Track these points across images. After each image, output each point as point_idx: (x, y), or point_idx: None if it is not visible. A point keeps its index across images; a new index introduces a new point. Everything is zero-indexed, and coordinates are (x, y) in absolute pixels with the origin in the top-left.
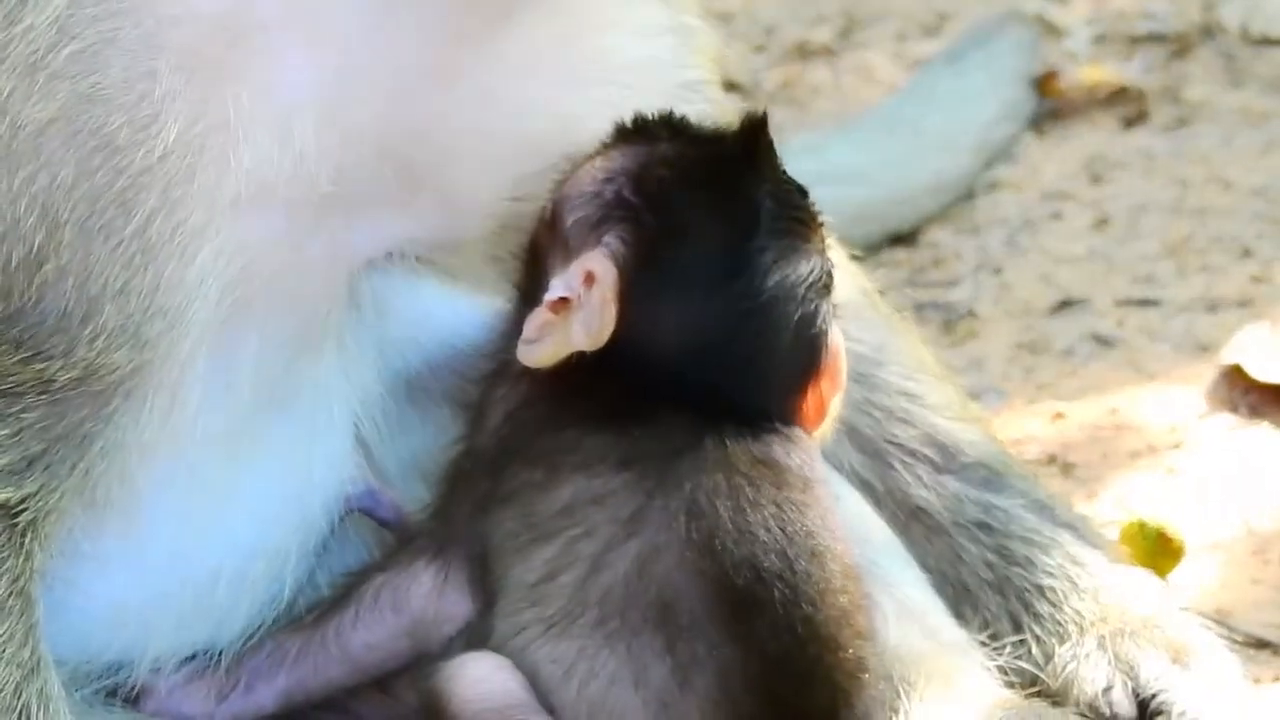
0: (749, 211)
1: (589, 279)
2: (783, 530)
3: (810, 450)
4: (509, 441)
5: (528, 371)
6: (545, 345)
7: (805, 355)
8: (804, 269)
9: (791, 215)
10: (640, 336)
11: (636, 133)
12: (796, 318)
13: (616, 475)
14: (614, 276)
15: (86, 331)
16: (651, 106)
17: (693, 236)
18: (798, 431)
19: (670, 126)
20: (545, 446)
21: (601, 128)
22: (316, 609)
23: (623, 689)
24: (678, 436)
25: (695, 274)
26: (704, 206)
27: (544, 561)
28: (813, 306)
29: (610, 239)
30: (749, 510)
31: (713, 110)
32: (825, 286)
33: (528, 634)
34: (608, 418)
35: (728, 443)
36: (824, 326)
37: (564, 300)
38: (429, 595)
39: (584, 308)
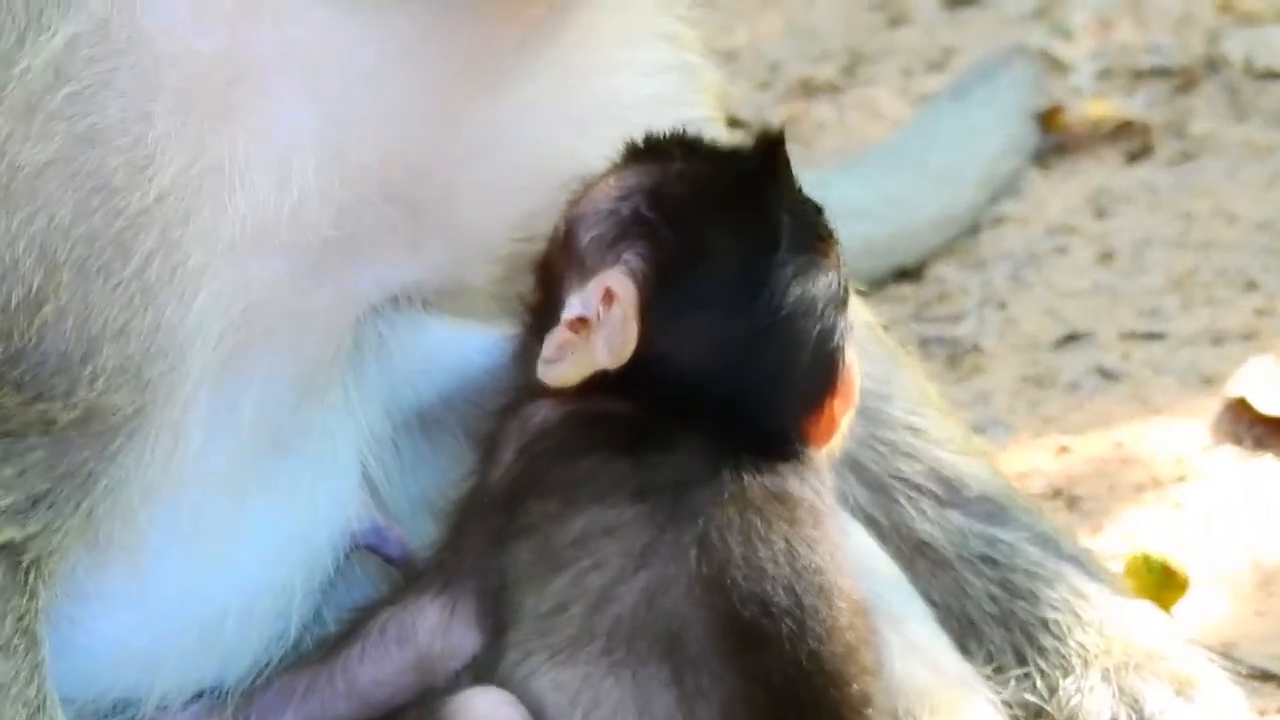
0: (769, 226)
1: (608, 297)
2: (792, 566)
3: (823, 481)
4: (525, 474)
5: (542, 400)
6: (567, 364)
7: (823, 371)
8: (823, 283)
9: (810, 230)
10: (661, 353)
11: (649, 152)
12: (816, 333)
13: (630, 507)
14: (634, 294)
15: (87, 372)
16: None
17: (712, 252)
18: (811, 457)
19: (683, 145)
20: (561, 478)
21: (605, 165)
22: (323, 646)
23: (628, 719)
24: (693, 467)
25: (716, 290)
26: (722, 222)
27: (555, 592)
28: (831, 322)
29: (629, 256)
30: (760, 545)
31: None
32: (843, 302)
33: (534, 661)
34: (624, 448)
35: (743, 475)
36: (841, 342)
37: (582, 320)
38: (435, 629)
39: (605, 326)
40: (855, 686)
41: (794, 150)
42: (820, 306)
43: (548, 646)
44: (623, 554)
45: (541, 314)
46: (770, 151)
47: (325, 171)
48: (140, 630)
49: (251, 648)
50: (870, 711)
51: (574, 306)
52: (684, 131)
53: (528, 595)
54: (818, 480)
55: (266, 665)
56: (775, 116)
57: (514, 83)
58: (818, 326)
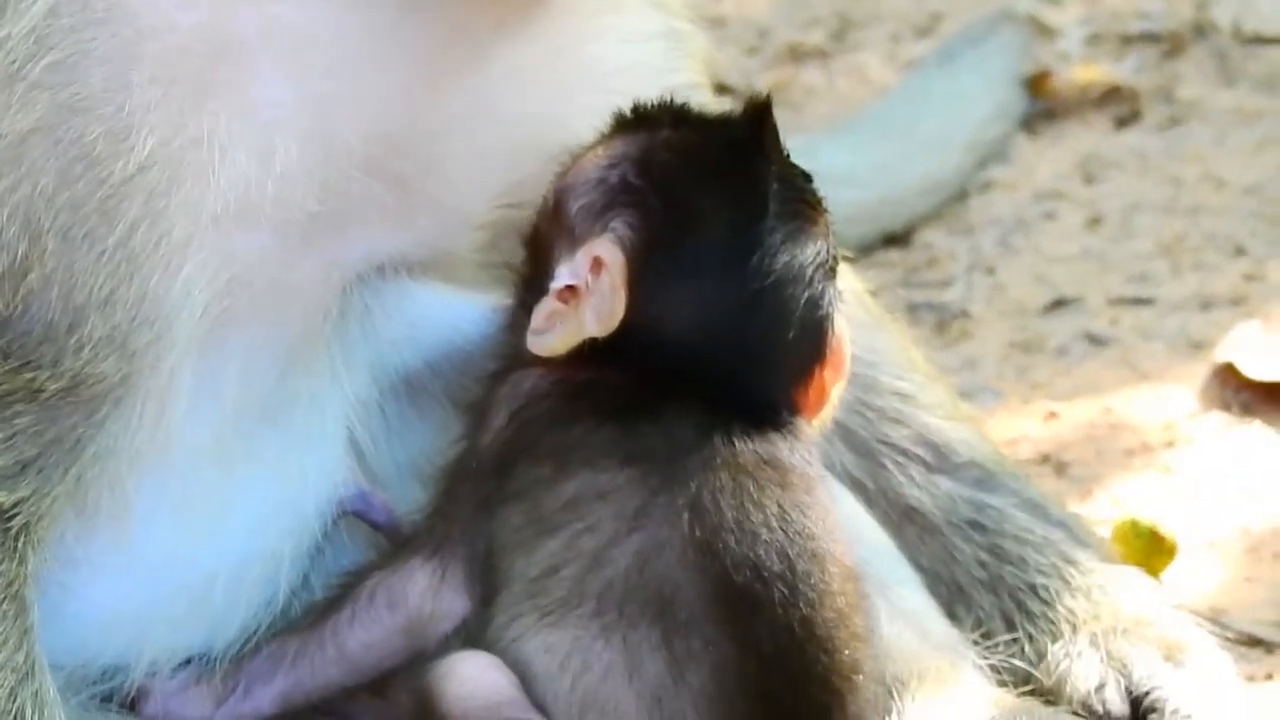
0: (757, 193)
1: (597, 265)
2: (784, 531)
3: (813, 448)
4: (515, 440)
5: (533, 368)
6: (556, 334)
7: (812, 338)
8: (811, 251)
9: (798, 198)
10: (650, 322)
11: (637, 121)
12: (804, 299)
13: (622, 471)
14: (622, 262)
15: (73, 341)
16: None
17: (700, 219)
18: (801, 427)
19: (671, 113)
20: (553, 443)
21: (591, 132)
22: (312, 611)
23: (617, 681)
24: (685, 433)
25: (704, 257)
26: (711, 189)
27: (547, 555)
28: (820, 289)
29: (617, 224)
30: (752, 510)
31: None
32: (832, 270)
33: (523, 623)
34: (615, 413)
35: (735, 441)
36: (830, 310)
37: (571, 288)
38: (425, 593)
39: (594, 294)
40: (845, 652)
41: (782, 116)
42: (809, 274)
43: (538, 609)
44: (615, 517)
45: (531, 284)
46: (758, 118)
47: (308, 148)
48: (129, 597)
49: (240, 614)
50: (860, 677)
51: (563, 276)
52: (672, 100)
53: (517, 559)
54: (807, 448)
55: (255, 631)
56: (763, 82)
57: (496, 54)
58: (806, 294)
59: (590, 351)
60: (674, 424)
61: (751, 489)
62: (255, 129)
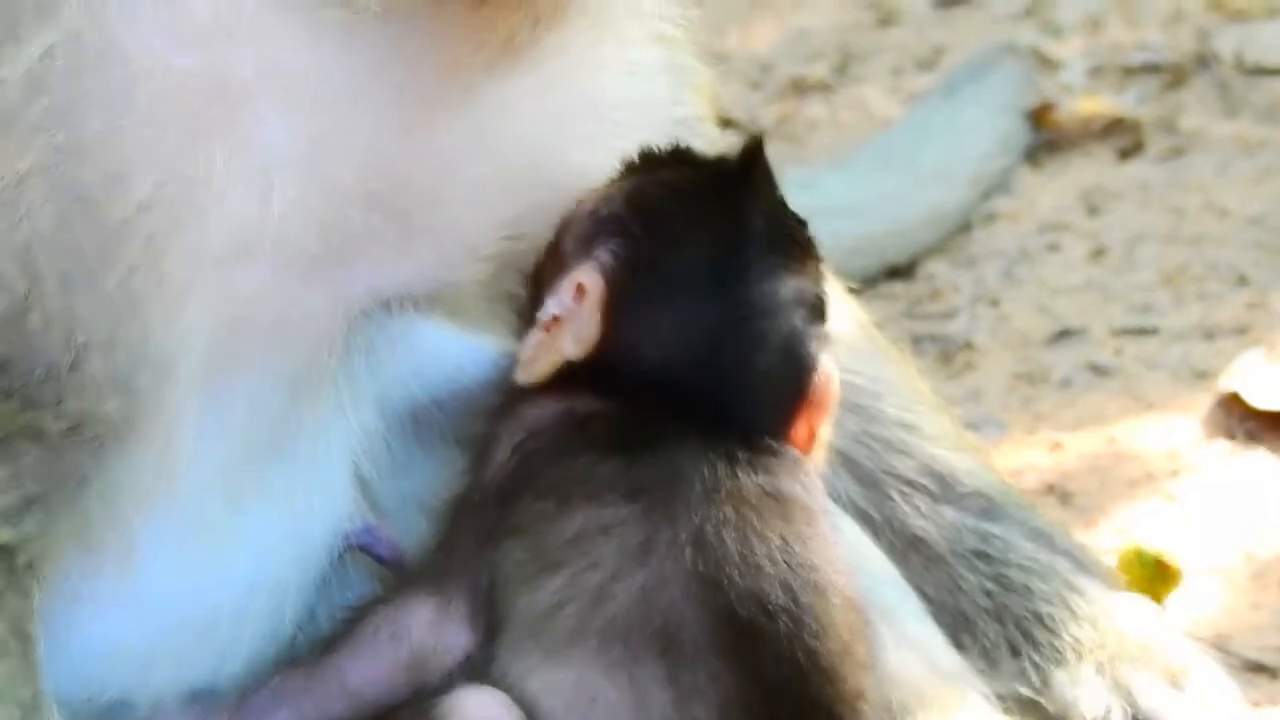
0: (738, 226)
1: (579, 292)
2: (787, 563)
3: (814, 478)
4: (518, 473)
5: (536, 401)
6: (538, 362)
7: (792, 376)
8: (792, 288)
9: (783, 236)
10: (630, 349)
11: (644, 164)
12: (783, 336)
13: (625, 506)
14: (602, 287)
15: (75, 382)
16: (645, 142)
17: (679, 247)
18: (802, 458)
19: (677, 157)
20: (555, 477)
21: (593, 163)
22: (317, 645)
23: (624, 719)
24: (687, 466)
25: (683, 286)
26: (695, 222)
27: (550, 592)
28: (799, 326)
29: (600, 252)
30: (755, 543)
31: (707, 146)
32: (815, 311)
33: (528, 662)
34: (617, 446)
35: (737, 474)
36: (812, 349)
37: (557, 319)
38: (428, 628)
39: (574, 318)
40: (850, 683)
41: (785, 149)
42: (787, 310)
43: (541, 647)
44: (619, 552)
45: (530, 319)
46: (750, 156)
47: (306, 187)
48: (134, 631)
49: (246, 647)
50: (864, 706)
51: (550, 306)
52: (680, 144)
53: (521, 595)
54: (809, 479)
55: (261, 665)
56: (767, 116)
57: (491, 88)
58: (784, 330)
59: (581, 379)
60: (675, 457)
61: (754, 521)
62: (253, 170)
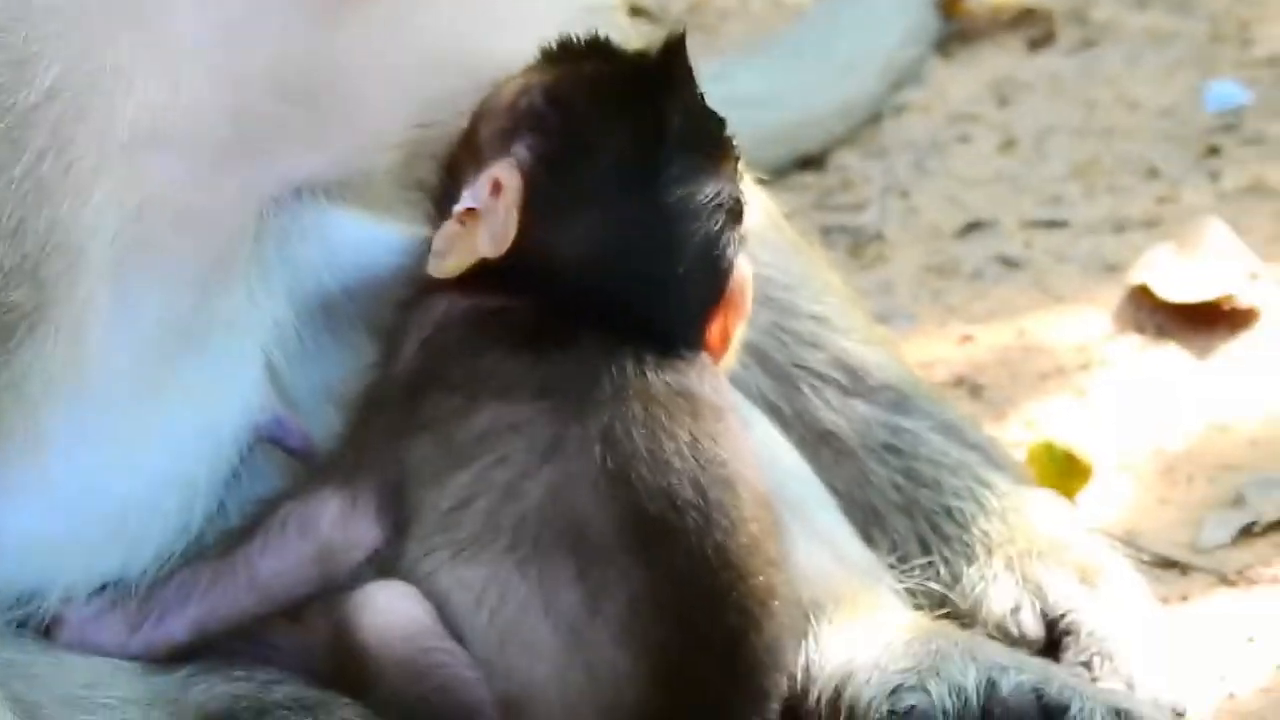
0: (658, 125)
1: (496, 188)
2: (696, 459)
3: (723, 378)
4: (426, 368)
5: (444, 295)
6: (452, 256)
7: (709, 278)
8: (710, 189)
9: (703, 136)
10: (546, 247)
11: (561, 54)
12: (699, 236)
13: (534, 402)
14: (519, 184)
15: None
16: (555, 28)
17: (598, 146)
18: (709, 359)
19: (595, 49)
20: (464, 373)
21: (505, 50)
22: (225, 539)
23: (534, 615)
24: (596, 364)
25: (598, 183)
26: (614, 120)
27: (459, 487)
28: (717, 228)
29: (518, 148)
30: (664, 440)
31: (618, 35)
32: (733, 213)
33: (437, 558)
34: (526, 343)
35: (646, 372)
36: (729, 250)
37: (472, 211)
38: (336, 522)
39: (489, 215)
40: (760, 578)
41: (697, 39)
42: (705, 211)
43: (451, 543)
44: (528, 449)
45: (443, 209)
46: (671, 53)
47: (215, 76)
48: (44, 523)
49: (155, 541)
50: (775, 603)
51: (465, 199)
52: (598, 35)
53: (430, 491)
54: (717, 377)
55: (170, 558)
56: (678, 4)
57: None
58: (702, 230)
59: (494, 276)
60: (585, 354)
61: (663, 419)
62: (161, 59)
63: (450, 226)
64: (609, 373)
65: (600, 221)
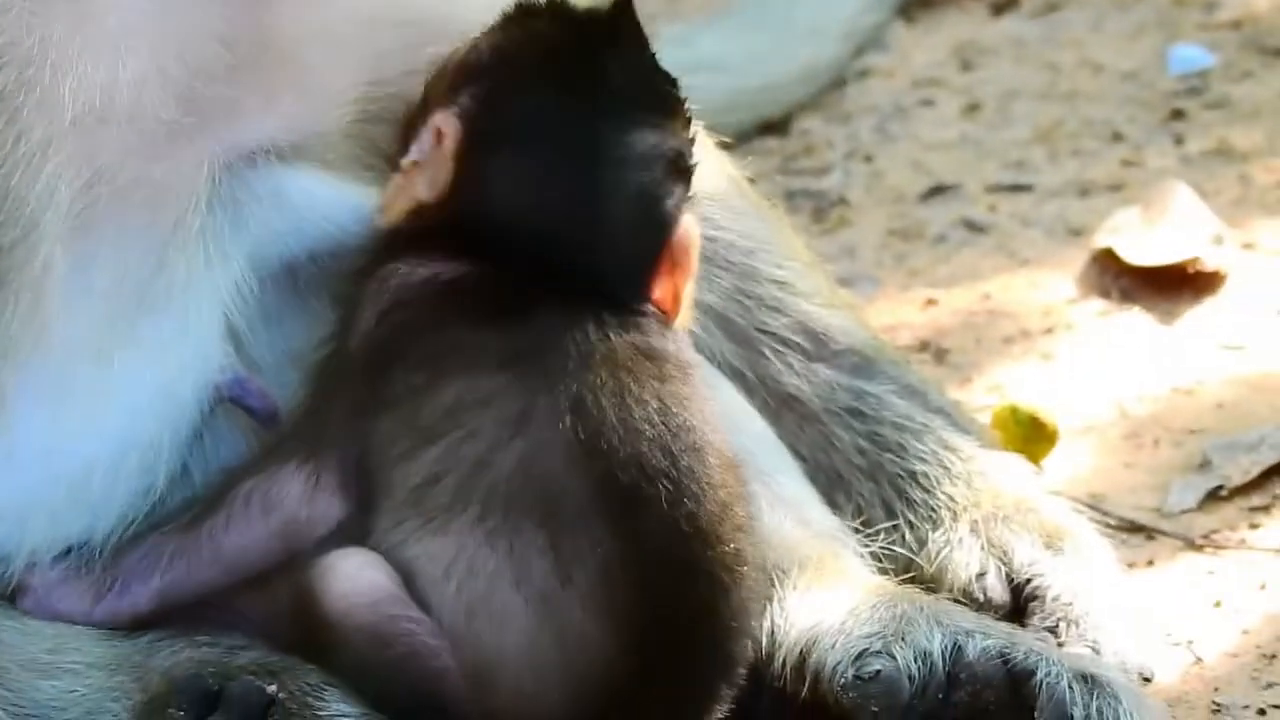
0: (598, 78)
1: (438, 137)
2: (665, 425)
3: (683, 336)
4: (386, 343)
5: (397, 262)
6: (394, 204)
7: (645, 229)
8: (650, 142)
9: (647, 90)
10: (480, 196)
11: (517, 18)
12: (634, 185)
13: (500, 374)
14: (458, 130)
15: None
16: None
17: (535, 95)
18: (667, 318)
19: (552, 10)
20: (426, 349)
21: (464, 13)
22: (190, 508)
23: (504, 586)
24: (558, 330)
25: (534, 129)
26: (554, 71)
27: (428, 463)
28: (653, 179)
29: (462, 98)
30: (634, 406)
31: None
32: (676, 167)
33: (405, 529)
34: (486, 314)
35: (609, 334)
36: (668, 205)
37: (416, 164)
38: (300, 498)
39: (430, 161)
40: (729, 545)
41: (659, 4)
42: (643, 165)
43: (420, 515)
44: (497, 423)
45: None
46: (618, 10)
47: (158, 52)
48: (7, 487)
49: (119, 503)
50: (745, 569)
51: (411, 153)
52: (553, 5)
53: (397, 466)
54: (679, 334)
55: (134, 521)
56: None
57: None
58: (635, 180)
59: (443, 237)
60: (547, 321)
61: (631, 385)
62: (98, 36)
63: (395, 179)
64: (572, 338)
65: (534, 167)
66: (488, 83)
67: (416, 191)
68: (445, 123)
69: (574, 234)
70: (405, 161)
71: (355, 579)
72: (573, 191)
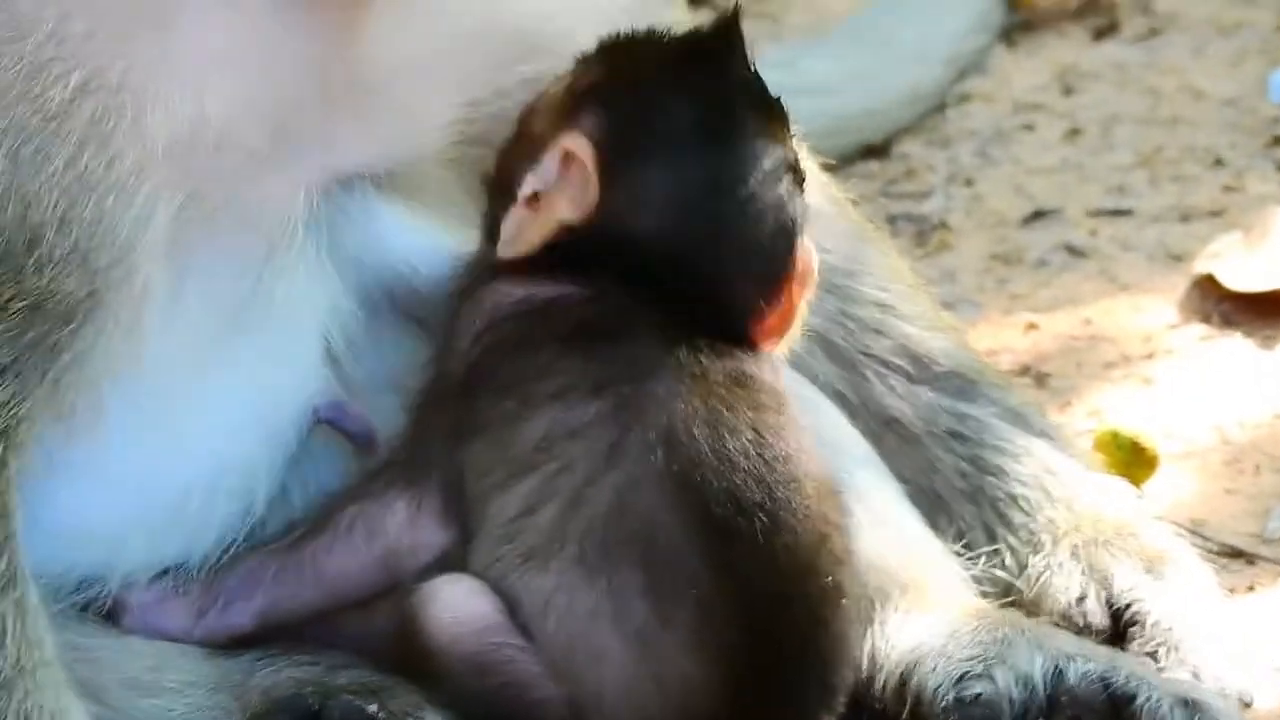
0: (724, 88)
1: (567, 159)
2: (761, 456)
3: (778, 360)
4: (479, 367)
5: (496, 284)
6: (524, 237)
7: (780, 249)
8: (778, 158)
9: (764, 105)
10: (620, 219)
11: (609, 46)
12: (772, 204)
13: (591, 405)
14: (592, 152)
15: (32, 260)
16: (610, 12)
17: (665, 109)
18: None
19: (644, 36)
20: (517, 373)
21: (553, 29)
22: (293, 531)
23: (603, 625)
24: (651, 356)
25: (673, 156)
26: (677, 84)
27: (522, 496)
28: (787, 196)
29: (584, 120)
30: (728, 438)
31: (679, 20)
32: (797, 177)
33: (505, 564)
34: (578, 338)
35: (702, 359)
36: (798, 218)
37: (537, 196)
38: (403, 525)
39: (568, 183)
40: (828, 577)
41: (761, 26)
42: (775, 172)
43: (518, 550)
44: (589, 455)
45: (502, 196)
46: (726, 30)
47: (248, 83)
48: (106, 506)
49: (216, 525)
50: (843, 600)
51: (530, 183)
52: (650, 28)
53: (491, 497)
54: (772, 360)
55: (232, 543)
56: None
57: None
58: (773, 199)
59: (553, 259)
60: (639, 346)
61: (725, 415)
62: (187, 67)
63: (518, 212)
64: (665, 366)
65: (677, 191)
66: (610, 102)
67: (559, 214)
68: (574, 143)
69: (714, 245)
70: (524, 193)
71: (460, 606)
72: (714, 204)
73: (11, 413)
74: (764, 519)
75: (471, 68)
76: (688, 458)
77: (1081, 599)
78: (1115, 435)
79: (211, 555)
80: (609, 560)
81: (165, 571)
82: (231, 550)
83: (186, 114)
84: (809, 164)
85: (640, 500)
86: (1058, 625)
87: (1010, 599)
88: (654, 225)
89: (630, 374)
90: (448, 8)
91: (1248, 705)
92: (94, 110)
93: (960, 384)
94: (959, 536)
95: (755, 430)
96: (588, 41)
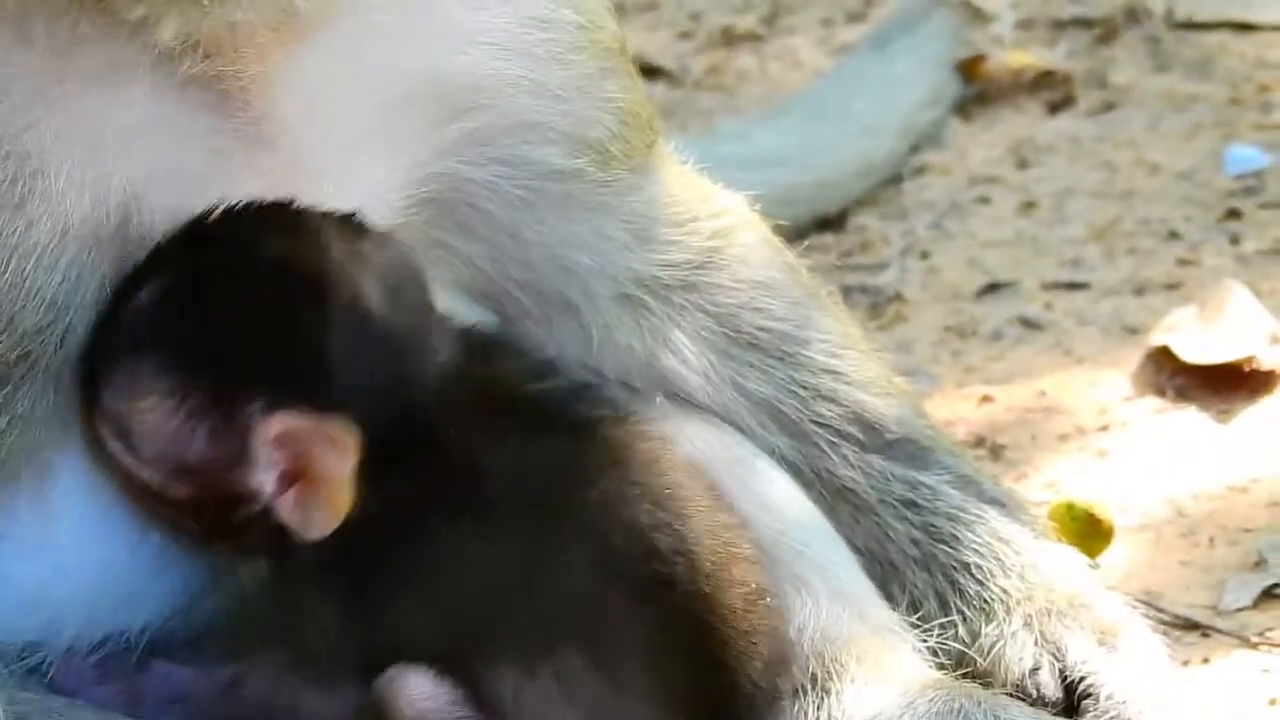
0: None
1: (282, 439)
2: (663, 509)
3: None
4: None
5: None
6: (322, 510)
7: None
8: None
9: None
10: (373, 408)
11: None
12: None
13: (504, 531)
14: (306, 413)
15: None
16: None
17: (320, 317)
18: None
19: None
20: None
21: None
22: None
23: (558, 708)
24: (530, 471)
25: (349, 329)
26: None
27: (446, 613)
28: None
29: (258, 394)
30: (622, 509)
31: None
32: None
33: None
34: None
35: (576, 444)
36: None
37: (286, 474)
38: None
39: (318, 454)
40: (750, 643)
41: (715, 99)
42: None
43: (464, 653)
44: (505, 571)
45: (218, 515)
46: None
47: (151, 160)
48: (49, 573)
49: (161, 594)
50: (766, 665)
51: (266, 476)
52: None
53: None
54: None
55: (176, 613)
56: (697, 66)
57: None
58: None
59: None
60: (515, 468)
61: (623, 488)
62: (91, 141)
63: (289, 498)
64: (544, 478)
65: (379, 373)
66: (281, 364)
67: (338, 474)
68: (283, 424)
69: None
70: (272, 490)
71: (424, 690)
72: (405, 361)
73: None
74: (682, 562)
75: (409, 130)
76: (603, 541)
77: (1035, 670)
78: (1070, 507)
79: (155, 624)
80: (553, 652)
81: (106, 640)
82: (175, 620)
83: (91, 186)
84: (762, 229)
85: (568, 588)
86: (1012, 696)
87: (966, 670)
88: (383, 384)
89: (522, 499)
90: (371, 71)
91: None
92: (6, 175)
93: (913, 450)
94: (912, 605)
95: (646, 489)
96: (528, 94)
